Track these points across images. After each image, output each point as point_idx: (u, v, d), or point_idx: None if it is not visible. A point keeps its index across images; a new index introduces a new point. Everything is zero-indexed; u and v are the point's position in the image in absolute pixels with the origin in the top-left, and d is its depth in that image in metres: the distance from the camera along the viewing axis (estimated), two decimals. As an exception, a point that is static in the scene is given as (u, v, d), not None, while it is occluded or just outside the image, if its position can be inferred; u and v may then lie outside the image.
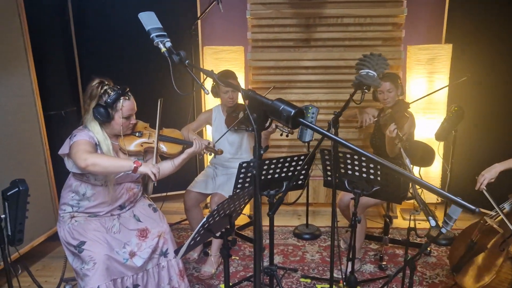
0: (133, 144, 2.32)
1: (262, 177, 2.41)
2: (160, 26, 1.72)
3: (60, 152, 2.19)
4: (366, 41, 3.53)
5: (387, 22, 3.48)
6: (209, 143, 2.56)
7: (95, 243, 2.13)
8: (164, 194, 3.62)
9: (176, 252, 1.92)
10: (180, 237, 3.45)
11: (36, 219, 2.94)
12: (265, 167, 2.36)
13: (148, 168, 2.07)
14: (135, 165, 2.04)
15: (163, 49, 1.66)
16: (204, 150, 2.50)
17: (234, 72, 2.98)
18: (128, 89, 2.24)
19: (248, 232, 3.51)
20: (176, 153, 2.39)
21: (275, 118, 1.36)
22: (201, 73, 3.36)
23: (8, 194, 1.73)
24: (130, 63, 3.64)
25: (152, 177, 2.07)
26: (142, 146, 2.33)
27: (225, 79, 2.65)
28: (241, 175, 2.40)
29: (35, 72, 2.93)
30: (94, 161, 2.00)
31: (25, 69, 2.85)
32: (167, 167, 2.40)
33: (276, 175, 2.45)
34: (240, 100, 3.07)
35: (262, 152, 1.45)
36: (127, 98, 2.21)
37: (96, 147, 2.18)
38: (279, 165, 2.41)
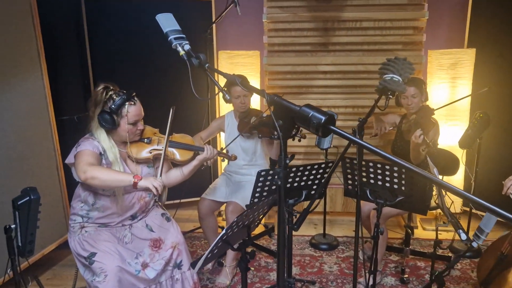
0: (142, 151, 2.24)
1: (280, 186, 2.32)
2: (179, 28, 1.64)
3: (67, 161, 2.12)
4: (385, 45, 3.42)
5: (407, 25, 3.38)
6: (222, 149, 2.47)
7: (106, 254, 2.05)
8: (178, 201, 3.53)
9: (193, 265, 1.83)
10: (193, 245, 3.36)
11: (47, 227, 2.87)
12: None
13: (149, 182, 1.94)
14: (134, 179, 1.93)
15: (182, 52, 1.58)
16: (217, 156, 2.41)
17: (246, 77, 2.90)
18: (134, 94, 2.15)
19: (263, 242, 3.41)
20: (186, 159, 2.30)
21: (303, 126, 1.27)
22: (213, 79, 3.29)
23: (19, 203, 1.65)
24: (144, 68, 3.58)
25: (154, 191, 1.95)
26: (151, 153, 2.25)
27: (232, 84, 2.54)
28: (259, 184, 2.30)
29: (48, 77, 2.87)
30: (93, 174, 1.92)
31: (37, 73, 2.80)
32: (176, 175, 2.32)
33: (296, 184, 2.35)
34: (253, 105, 3.00)
35: (288, 161, 1.36)
36: (132, 103, 2.12)
37: (100, 156, 2.10)
38: (299, 173, 2.31)
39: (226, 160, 2.60)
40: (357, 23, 3.39)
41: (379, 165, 2.33)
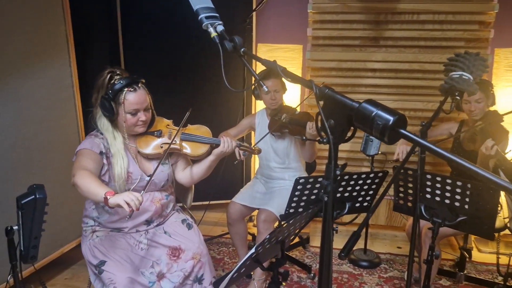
0: (151, 146, 2.00)
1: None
2: (212, 6, 1.38)
3: (74, 159, 1.91)
4: (445, 41, 3.04)
5: (472, 20, 2.98)
6: (242, 142, 2.19)
7: (117, 263, 1.82)
8: (206, 202, 3.29)
9: (216, 284, 1.57)
10: (220, 252, 3.11)
11: (68, 224, 2.70)
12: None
13: (120, 198, 1.55)
14: (105, 196, 1.58)
15: (213, 34, 1.32)
16: (236, 149, 2.13)
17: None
18: (139, 80, 1.90)
19: (296, 253, 3.11)
20: (201, 154, 2.04)
21: (363, 128, 0.97)
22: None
23: (22, 202, 1.44)
24: (178, 60, 3.35)
25: (125, 207, 1.54)
26: (161, 147, 2.00)
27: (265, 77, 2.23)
28: (297, 193, 2.01)
29: (76, 64, 2.69)
30: (77, 181, 1.68)
31: (65, 59, 2.62)
32: (197, 172, 2.09)
33: (338, 194, 2.04)
34: (287, 102, 2.70)
35: (338, 172, 1.06)
36: (132, 89, 1.86)
37: (101, 156, 1.87)
38: (343, 183, 2.00)
39: (257, 162, 2.29)
40: (413, 16, 3.02)
41: (438, 178, 1.99)
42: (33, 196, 1.46)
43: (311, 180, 1.98)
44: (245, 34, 3.17)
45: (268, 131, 2.52)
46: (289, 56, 3.22)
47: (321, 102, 1.05)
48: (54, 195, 2.60)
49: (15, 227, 1.46)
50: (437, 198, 2.03)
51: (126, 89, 1.84)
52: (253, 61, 1.78)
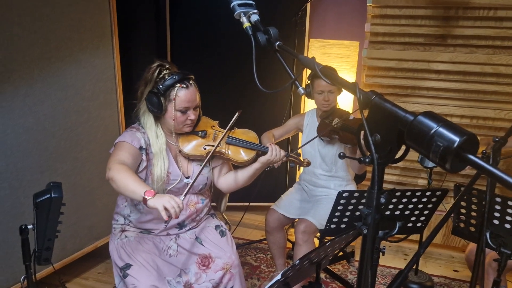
0: (194, 146, 1.86)
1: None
2: (248, -8, 1.20)
3: (111, 151, 1.81)
4: (526, 42, 2.65)
5: (562, 17, 2.57)
6: (291, 151, 2.00)
7: (142, 269, 1.70)
8: (246, 204, 3.13)
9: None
10: (257, 259, 2.94)
11: (104, 217, 2.65)
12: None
13: (160, 201, 1.44)
14: (144, 195, 1.47)
15: (246, 24, 1.15)
16: (285, 160, 1.94)
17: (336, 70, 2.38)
18: (190, 76, 1.78)
19: (339, 268, 2.87)
20: (245, 160, 1.88)
21: (417, 148, 0.75)
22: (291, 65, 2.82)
23: (37, 200, 1.36)
24: (226, 58, 3.20)
25: (163, 214, 1.43)
26: (204, 149, 1.85)
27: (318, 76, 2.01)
28: (339, 207, 1.79)
29: (119, 54, 2.63)
30: (113, 175, 1.57)
31: (108, 49, 2.56)
32: (237, 179, 1.92)
33: (388, 212, 1.79)
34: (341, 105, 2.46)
35: (383, 199, 0.85)
36: (184, 86, 1.74)
37: (140, 152, 1.76)
38: (394, 200, 1.75)
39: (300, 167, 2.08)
40: (489, 12, 2.65)
41: (510, 203, 1.68)
42: (49, 195, 1.37)
43: (356, 194, 1.75)
44: (296, 28, 2.96)
45: (315, 136, 2.30)
46: (343, 53, 2.97)
47: (366, 112, 0.83)
48: (92, 188, 2.57)
49: (30, 226, 1.38)
50: (507, 226, 1.73)
51: (178, 85, 1.73)
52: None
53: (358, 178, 2.64)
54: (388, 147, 0.80)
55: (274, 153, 1.86)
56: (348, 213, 1.82)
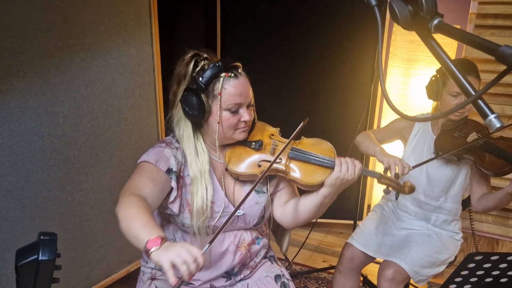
0: (246, 162, 1.34)
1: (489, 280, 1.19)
2: None
3: None
4: None
5: None
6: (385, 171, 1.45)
7: None
8: (313, 220, 2.55)
9: None
10: (319, 293, 2.40)
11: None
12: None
13: (166, 257, 0.97)
14: (146, 246, 1.01)
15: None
16: (368, 178, 1.40)
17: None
18: (237, 64, 1.29)
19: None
20: (317, 183, 1.32)
21: None
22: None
23: (19, 264, 0.89)
24: (293, 52, 2.64)
25: (169, 276, 0.95)
26: (259, 167, 1.33)
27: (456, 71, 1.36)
28: (464, 272, 1.20)
29: (159, 43, 2.15)
30: (118, 211, 1.13)
31: (146, 36, 2.09)
32: (304, 209, 1.38)
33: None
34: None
35: None
36: (232, 75, 1.24)
37: (169, 176, 1.26)
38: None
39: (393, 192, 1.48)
40: None
41: None
42: (35, 256, 0.90)
43: (494, 258, 1.15)
44: (380, 9, 2.33)
45: (436, 154, 1.71)
46: (439, 41, 2.27)
47: None
48: (122, 204, 2.13)
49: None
50: None
51: (223, 74, 1.24)
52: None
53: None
54: None
55: (345, 168, 1.28)
56: (474, 279, 1.23)
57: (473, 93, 0.60)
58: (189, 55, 1.29)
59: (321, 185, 1.32)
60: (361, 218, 2.64)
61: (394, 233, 1.90)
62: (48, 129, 1.75)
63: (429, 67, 2.35)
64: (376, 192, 2.85)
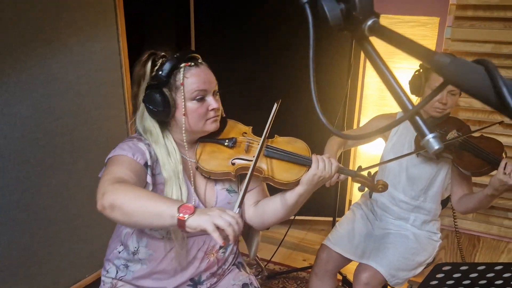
0: (218, 160, 1.27)
1: None
2: None
3: (100, 175, 1.22)
4: None
5: None
6: (359, 167, 1.40)
7: None
8: (292, 217, 2.49)
9: None
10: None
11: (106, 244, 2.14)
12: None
13: (206, 218, 0.92)
14: (179, 214, 0.93)
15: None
16: (342, 178, 1.42)
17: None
18: (195, 55, 1.24)
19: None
20: (293, 181, 1.26)
21: None
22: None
23: None
24: (268, 48, 2.56)
25: (216, 237, 0.90)
26: (233, 165, 1.26)
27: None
28: (434, 282, 1.14)
29: (126, 38, 2.05)
30: (114, 200, 1.00)
31: (112, 31, 1.99)
32: (275, 208, 1.32)
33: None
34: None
35: None
36: (191, 64, 1.20)
37: (146, 169, 1.19)
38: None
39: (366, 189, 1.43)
40: None
41: None
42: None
43: (463, 268, 1.10)
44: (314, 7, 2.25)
45: (414, 150, 1.66)
46: (418, 34, 2.26)
47: None
48: (90, 208, 2.04)
49: None
50: None
51: (183, 64, 1.19)
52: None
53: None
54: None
55: (322, 165, 1.23)
56: (445, 288, 1.17)
57: (410, 107, 0.52)
58: (146, 55, 1.24)
59: (297, 183, 1.26)
60: (341, 214, 2.58)
61: (371, 234, 1.84)
62: (4, 131, 1.65)
63: (410, 60, 2.29)
64: (356, 187, 2.79)
